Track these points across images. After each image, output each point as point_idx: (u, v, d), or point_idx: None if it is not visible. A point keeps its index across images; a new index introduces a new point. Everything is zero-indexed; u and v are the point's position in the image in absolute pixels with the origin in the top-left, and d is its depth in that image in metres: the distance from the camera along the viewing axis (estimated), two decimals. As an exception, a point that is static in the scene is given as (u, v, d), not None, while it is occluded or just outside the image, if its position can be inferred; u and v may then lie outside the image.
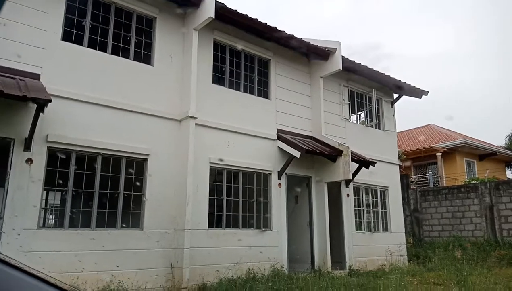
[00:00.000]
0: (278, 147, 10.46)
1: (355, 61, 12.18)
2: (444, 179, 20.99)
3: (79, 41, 7.88)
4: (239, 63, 10.47)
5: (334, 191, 11.42)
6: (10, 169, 6.62)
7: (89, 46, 7.99)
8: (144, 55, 8.77)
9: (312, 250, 10.81)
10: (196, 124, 8.69)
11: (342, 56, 11.40)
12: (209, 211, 8.82)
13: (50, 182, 7.11)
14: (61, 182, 7.18)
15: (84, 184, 7.37)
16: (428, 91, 14.31)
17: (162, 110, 8.61)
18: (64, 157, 7.23)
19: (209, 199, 8.90)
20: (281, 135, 10.55)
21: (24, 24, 7.12)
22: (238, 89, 10.27)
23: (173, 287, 7.72)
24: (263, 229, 9.78)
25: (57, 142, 7.12)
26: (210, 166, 9.08)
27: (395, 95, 14.54)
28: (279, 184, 10.36)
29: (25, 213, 6.58)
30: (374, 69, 12.77)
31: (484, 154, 23.13)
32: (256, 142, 10.09)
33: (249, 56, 10.69)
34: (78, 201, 7.38)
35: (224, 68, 10.10)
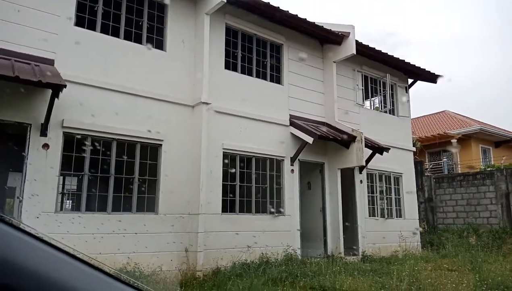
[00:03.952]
0: (291, 132, 10.42)
1: (369, 46, 12.00)
2: (459, 166, 20.73)
3: (92, 27, 7.90)
4: (251, 48, 10.40)
5: (348, 177, 11.37)
6: (28, 154, 6.72)
7: (101, 32, 8.01)
8: (157, 40, 8.76)
9: (325, 235, 10.82)
10: (208, 110, 8.69)
11: (356, 40, 11.23)
12: (222, 196, 8.87)
13: (66, 166, 7.21)
14: (77, 166, 7.28)
15: (100, 169, 7.47)
16: (442, 75, 14.12)
17: (175, 96, 8.62)
18: (79, 142, 7.32)
19: (223, 184, 8.94)
20: (294, 121, 10.50)
21: (38, 9, 7.16)
22: (250, 74, 10.22)
23: (188, 270, 7.82)
24: (276, 214, 9.81)
25: (73, 128, 7.21)
26: (223, 152, 9.10)
27: (410, 81, 14.34)
28: (292, 170, 10.34)
29: (43, 197, 6.70)
30: (388, 53, 12.58)
31: (501, 141, 22.74)
32: (269, 128, 10.07)
33: (261, 41, 10.60)
34: (94, 186, 7.49)
35: (236, 54, 10.04)
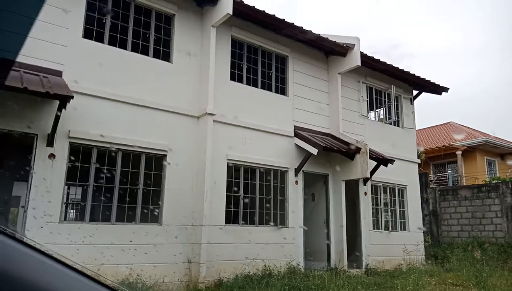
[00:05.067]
0: (295, 144, 10.44)
1: (374, 57, 12.04)
2: (464, 178, 20.62)
3: (99, 39, 8.01)
4: (257, 60, 10.47)
5: (352, 189, 11.35)
6: (34, 164, 6.79)
7: (109, 44, 8.12)
8: (163, 52, 8.86)
9: (328, 248, 10.78)
10: (213, 121, 8.75)
11: (361, 52, 11.28)
12: (226, 207, 8.88)
13: (71, 177, 7.27)
14: (82, 177, 7.34)
15: (105, 179, 7.52)
16: (448, 88, 14.06)
17: (180, 107, 8.69)
18: (85, 152, 7.39)
19: (226, 195, 8.95)
20: (298, 133, 10.53)
21: (47, 22, 7.26)
22: (255, 86, 10.28)
23: (190, 281, 7.81)
24: (280, 226, 9.79)
25: (79, 138, 7.28)
26: (228, 163, 9.13)
27: (415, 92, 14.34)
28: (296, 181, 10.34)
29: (48, 207, 6.75)
30: (393, 65, 12.62)
31: (506, 153, 22.59)
32: (273, 139, 10.09)
33: (266, 52, 10.68)
34: (98, 196, 7.53)
35: (241, 65, 10.12)
